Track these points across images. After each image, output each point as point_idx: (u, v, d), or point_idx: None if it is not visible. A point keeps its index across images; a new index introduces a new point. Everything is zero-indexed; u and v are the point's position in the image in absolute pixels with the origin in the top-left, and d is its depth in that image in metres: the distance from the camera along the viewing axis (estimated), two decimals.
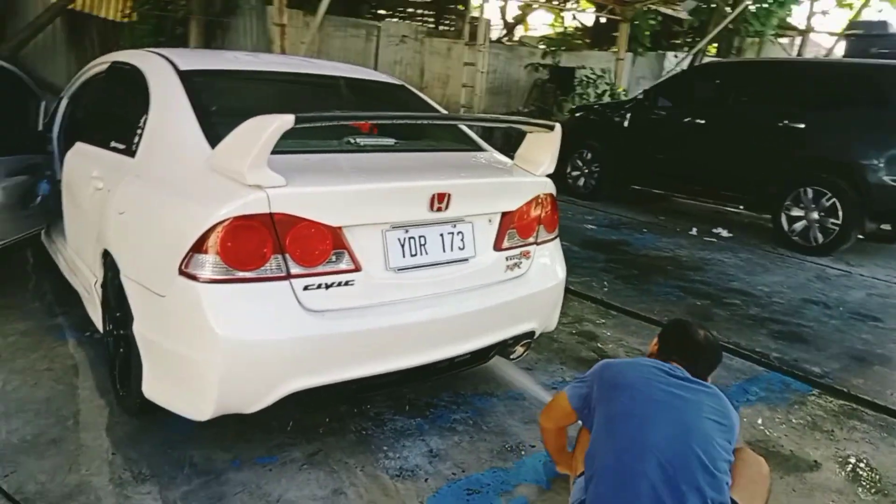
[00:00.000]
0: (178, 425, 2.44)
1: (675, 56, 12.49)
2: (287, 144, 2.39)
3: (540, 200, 2.74)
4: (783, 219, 6.54)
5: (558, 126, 2.64)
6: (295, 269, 2.08)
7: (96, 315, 2.82)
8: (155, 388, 2.26)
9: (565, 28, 15.98)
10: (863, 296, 5.20)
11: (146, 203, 2.34)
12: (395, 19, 12.08)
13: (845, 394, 3.34)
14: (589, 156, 8.46)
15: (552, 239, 2.87)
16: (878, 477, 2.61)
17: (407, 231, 2.33)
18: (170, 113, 2.50)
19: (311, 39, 7.18)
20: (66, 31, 7.36)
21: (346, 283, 2.18)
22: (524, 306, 2.72)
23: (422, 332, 2.35)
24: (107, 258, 2.57)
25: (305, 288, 2.10)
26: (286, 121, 1.91)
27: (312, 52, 8.86)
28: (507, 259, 2.63)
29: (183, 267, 2.02)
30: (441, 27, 12.98)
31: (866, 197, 6.00)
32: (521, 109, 11.21)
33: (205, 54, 3.09)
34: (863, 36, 9.35)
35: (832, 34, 15.48)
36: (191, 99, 2.50)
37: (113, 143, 2.78)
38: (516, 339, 2.77)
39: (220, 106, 2.59)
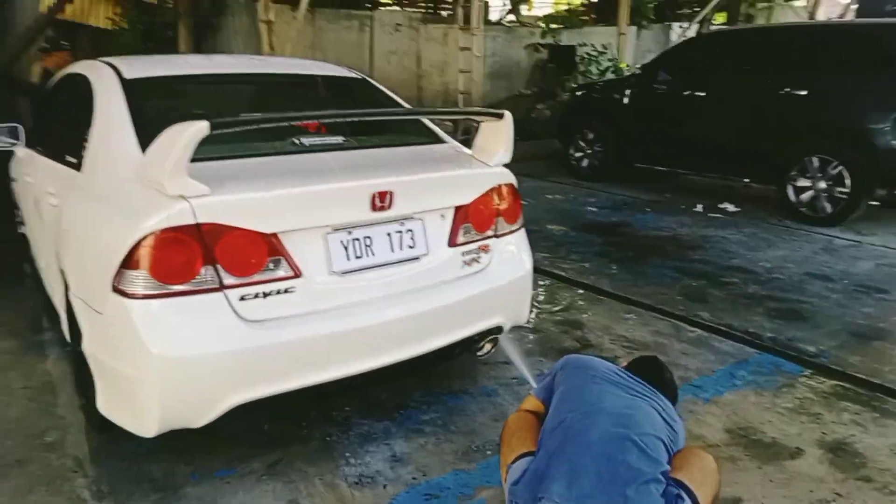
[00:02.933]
0: (142, 439, 2.41)
1: (681, 27, 12.16)
2: (226, 150, 2.36)
3: (497, 191, 2.65)
4: (789, 190, 6.32)
5: (507, 114, 2.54)
6: (229, 280, 2.04)
7: (67, 331, 2.81)
8: (107, 404, 2.24)
9: (570, 4, 15.67)
10: (871, 266, 5.00)
11: (85, 219, 2.31)
12: (391, 8, 11.91)
13: (839, 373, 3.20)
14: (590, 136, 8.28)
15: (515, 230, 2.77)
16: (863, 461, 2.49)
17: (350, 233, 2.26)
18: (110, 124, 2.46)
19: (297, 35, 7.11)
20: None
21: (286, 291, 2.13)
22: (486, 301, 2.64)
23: (372, 335, 2.30)
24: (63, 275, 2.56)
25: (242, 298, 2.06)
26: (200, 128, 1.86)
27: (305, 47, 8.82)
28: (463, 255, 2.55)
29: (115, 284, 1.99)
30: (441, 12, 12.80)
31: (875, 162, 5.76)
32: (524, 92, 11.01)
33: (157, 60, 3.05)
34: None
35: None
36: (131, 108, 2.46)
37: (67, 157, 2.75)
38: (482, 336, 2.69)
39: (162, 114, 2.54)
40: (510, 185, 2.72)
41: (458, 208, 2.53)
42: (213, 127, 1.87)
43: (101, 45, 7.61)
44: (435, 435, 2.61)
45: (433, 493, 2.26)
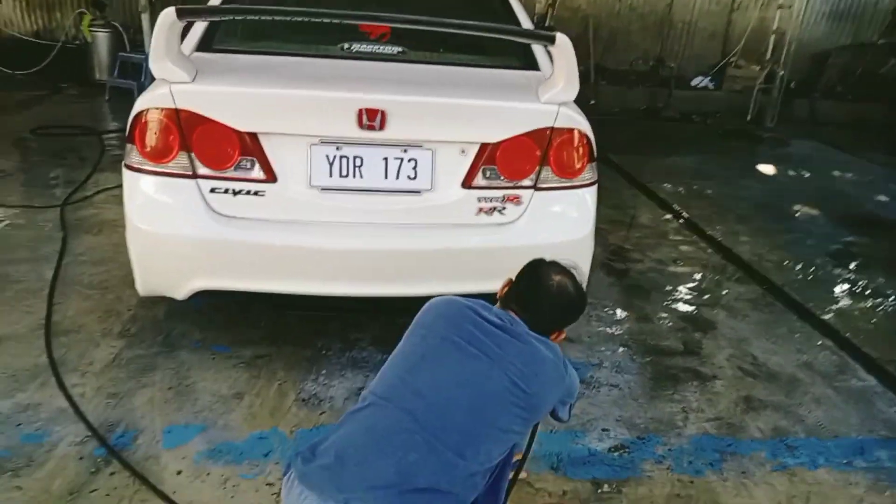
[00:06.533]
0: (198, 299, 2.58)
1: None
2: (268, 45, 2.38)
3: (547, 134, 2.18)
4: None
5: (563, 37, 2.01)
6: (202, 170, 2.09)
7: None
8: None
9: None
10: None
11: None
12: None
13: None
14: None
15: (572, 187, 2.27)
16: None
17: (339, 148, 2.11)
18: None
19: None
20: None
21: (257, 193, 2.11)
22: (507, 261, 2.25)
23: (347, 260, 2.16)
24: None
25: (212, 190, 2.10)
26: (167, 14, 1.88)
27: None
28: (479, 200, 2.20)
29: (124, 156, 2.20)
30: None
31: None
32: (874, 41, 8.69)
33: None
34: None
35: None
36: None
37: None
38: None
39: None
40: (572, 130, 2.21)
41: (483, 146, 2.16)
42: (178, 14, 1.88)
43: None
44: None
45: None
